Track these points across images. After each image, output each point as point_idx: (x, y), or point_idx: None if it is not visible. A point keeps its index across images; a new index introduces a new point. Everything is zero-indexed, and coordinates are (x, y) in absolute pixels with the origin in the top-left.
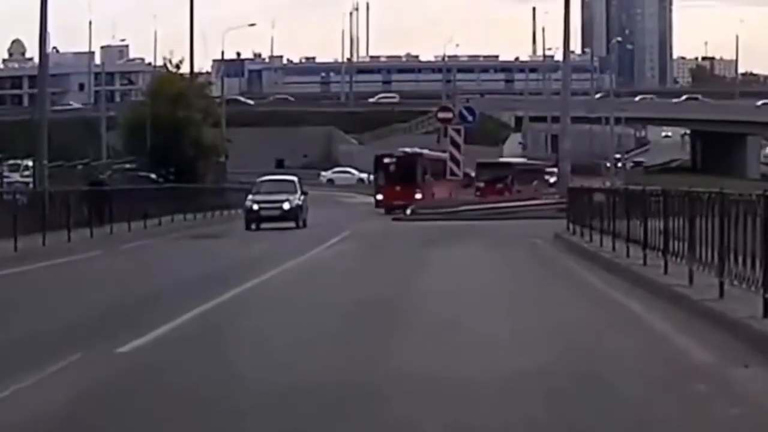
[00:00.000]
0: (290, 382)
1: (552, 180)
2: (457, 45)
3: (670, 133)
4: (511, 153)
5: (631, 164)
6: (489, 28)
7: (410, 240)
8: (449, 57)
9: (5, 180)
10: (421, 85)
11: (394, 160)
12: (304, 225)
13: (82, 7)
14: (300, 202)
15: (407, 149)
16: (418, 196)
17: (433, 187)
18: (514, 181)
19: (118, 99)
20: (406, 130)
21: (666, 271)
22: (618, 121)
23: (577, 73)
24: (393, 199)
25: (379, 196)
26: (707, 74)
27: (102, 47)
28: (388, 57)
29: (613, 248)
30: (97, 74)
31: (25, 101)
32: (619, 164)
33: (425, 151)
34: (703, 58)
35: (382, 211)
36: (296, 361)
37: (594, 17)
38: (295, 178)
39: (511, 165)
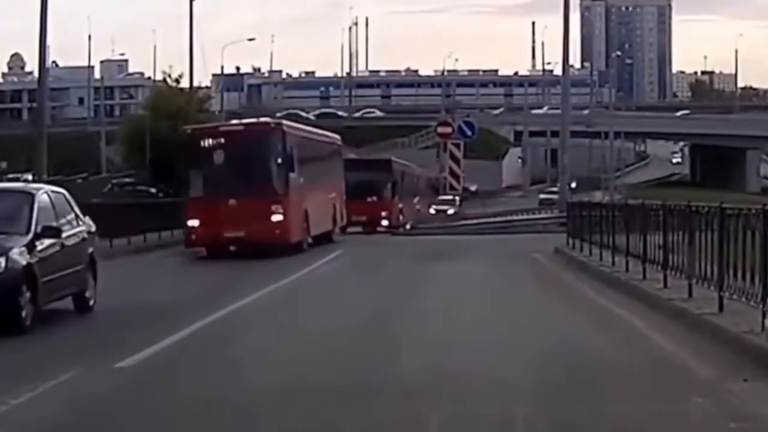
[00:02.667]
0: None
1: (448, 210)
2: (457, 59)
3: (680, 159)
4: (511, 167)
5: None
6: (488, 42)
7: (410, 255)
8: (449, 71)
9: None
10: (420, 100)
11: (221, 140)
12: (84, 307)
13: (81, 21)
14: (26, 260)
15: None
16: (277, 218)
17: (309, 196)
18: (395, 193)
19: (117, 113)
20: (405, 145)
21: (665, 285)
22: (617, 135)
23: (577, 87)
24: (222, 225)
25: (193, 222)
26: (707, 88)
27: (101, 62)
28: (387, 71)
29: (613, 263)
30: (96, 88)
31: (25, 115)
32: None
33: (293, 124)
34: (703, 73)
35: (203, 252)
36: None
37: (593, 31)
38: (36, 190)
39: (390, 167)
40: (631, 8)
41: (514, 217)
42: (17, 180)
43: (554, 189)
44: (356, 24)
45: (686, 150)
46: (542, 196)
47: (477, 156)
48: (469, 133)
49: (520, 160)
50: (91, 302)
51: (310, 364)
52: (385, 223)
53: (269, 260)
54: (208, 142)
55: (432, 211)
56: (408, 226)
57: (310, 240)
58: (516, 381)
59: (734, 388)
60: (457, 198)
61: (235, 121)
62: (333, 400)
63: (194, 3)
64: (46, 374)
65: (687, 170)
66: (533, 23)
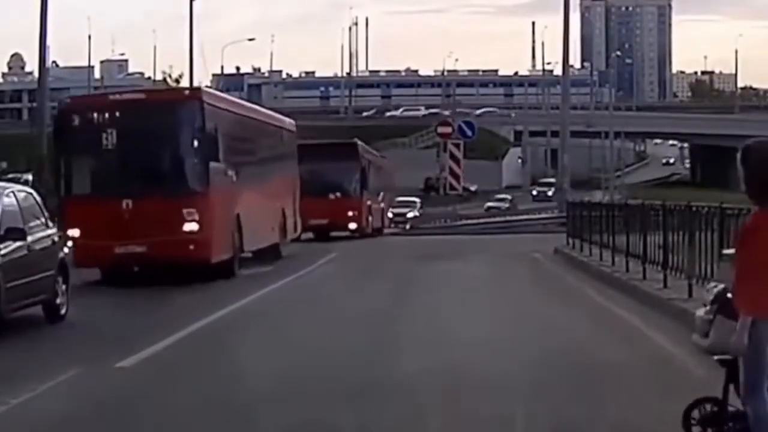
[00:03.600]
0: None
1: (407, 213)
2: (457, 59)
3: (672, 159)
4: (511, 167)
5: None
6: (488, 42)
7: (410, 254)
8: (449, 71)
9: None
10: (420, 100)
11: (113, 115)
12: (55, 316)
13: (81, 21)
14: None
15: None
16: (191, 227)
17: (244, 197)
18: (364, 187)
19: None
20: (405, 145)
21: (665, 285)
22: (617, 135)
23: (577, 87)
24: (114, 237)
25: (73, 232)
26: (707, 88)
27: (101, 61)
28: (387, 71)
29: (613, 263)
30: (96, 88)
31: (25, 115)
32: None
33: (210, 90)
34: (703, 73)
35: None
36: None
37: (593, 31)
38: (1, 189)
39: (357, 153)
40: (631, 8)
41: (514, 217)
42: (17, 180)
43: (504, 196)
44: (356, 24)
45: (686, 152)
46: (489, 203)
47: (477, 156)
48: (469, 133)
49: (520, 160)
50: (63, 311)
51: (309, 363)
52: (352, 226)
53: (186, 288)
54: (94, 119)
55: (389, 214)
56: (408, 226)
57: (249, 254)
58: (516, 381)
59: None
60: (417, 200)
61: (136, 88)
62: (333, 401)
63: (194, 3)
64: (45, 374)
65: (687, 170)
66: (533, 23)
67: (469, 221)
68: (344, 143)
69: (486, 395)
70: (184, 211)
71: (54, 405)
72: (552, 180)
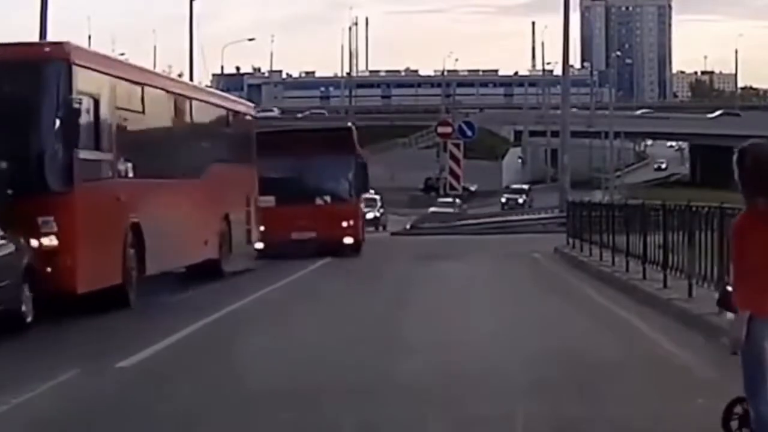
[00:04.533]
0: None
1: (366, 213)
2: (457, 59)
3: (663, 165)
4: (511, 167)
5: None
6: (488, 42)
7: (411, 254)
8: (449, 71)
9: None
10: (420, 100)
11: None
12: (18, 326)
13: (81, 21)
14: None
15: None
16: (49, 241)
17: (148, 198)
18: (362, 187)
19: None
20: (406, 145)
21: (665, 285)
22: (617, 135)
23: (577, 87)
24: None
25: None
26: (707, 88)
27: None
28: (387, 71)
29: (613, 262)
30: None
31: None
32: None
33: (86, 48)
34: (703, 73)
35: None
36: None
37: (593, 31)
38: None
39: (352, 142)
40: (631, 8)
41: (514, 217)
42: None
43: (448, 200)
44: (356, 24)
45: (685, 152)
46: (433, 209)
47: (477, 156)
48: (469, 133)
49: (520, 160)
50: (28, 319)
51: (309, 361)
52: (348, 240)
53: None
54: None
55: None
56: (408, 226)
57: (173, 271)
58: (516, 381)
59: (734, 389)
60: (377, 197)
61: None
62: (333, 401)
63: (194, 3)
64: (46, 374)
65: (687, 170)
66: (533, 23)
67: (469, 221)
68: (334, 129)
69: (486, 395)
70: (39, 219)
71: (54, 404)
72: (524, 186)
